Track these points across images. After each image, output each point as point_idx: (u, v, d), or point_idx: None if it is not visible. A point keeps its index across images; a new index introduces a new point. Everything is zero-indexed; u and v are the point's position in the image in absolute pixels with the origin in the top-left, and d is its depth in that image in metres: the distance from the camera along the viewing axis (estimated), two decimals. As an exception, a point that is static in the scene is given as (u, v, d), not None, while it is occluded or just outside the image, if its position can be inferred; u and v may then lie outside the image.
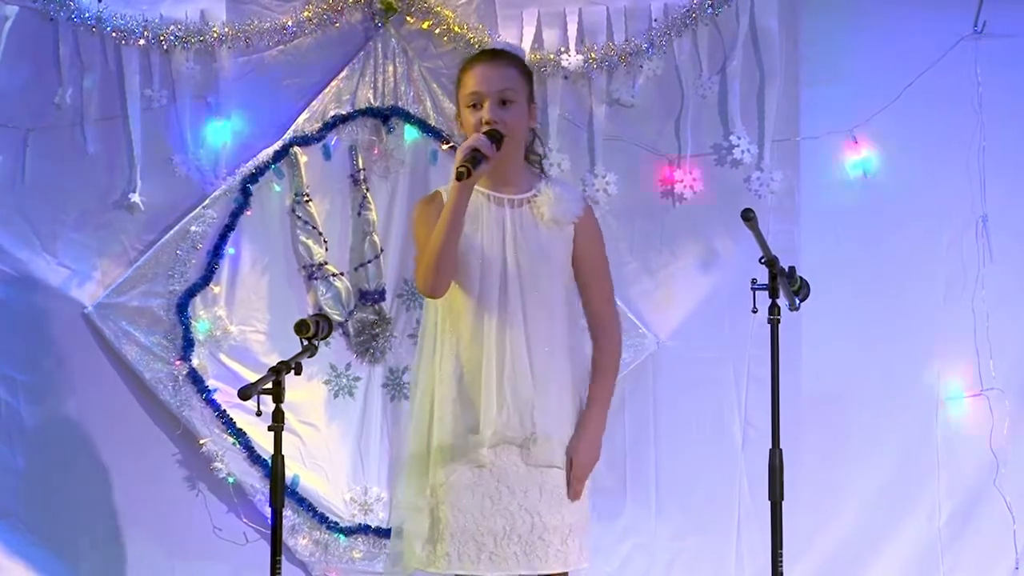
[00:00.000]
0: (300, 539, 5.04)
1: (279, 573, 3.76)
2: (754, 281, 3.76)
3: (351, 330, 5.11)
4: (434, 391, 3.66)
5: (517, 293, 3.63)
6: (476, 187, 3.63)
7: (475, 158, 3.50)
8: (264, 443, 4.96)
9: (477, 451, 3.58)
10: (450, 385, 3.63)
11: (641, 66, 5.11)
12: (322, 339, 3.94)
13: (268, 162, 5.08)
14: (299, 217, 5.09)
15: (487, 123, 3.61)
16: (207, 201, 5.07)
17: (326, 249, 5.09)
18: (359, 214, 5.11)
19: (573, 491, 3.65)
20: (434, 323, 3.70)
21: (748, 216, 3.61)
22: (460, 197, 3.53)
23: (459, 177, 3.47)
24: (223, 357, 5.07)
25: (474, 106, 3.65)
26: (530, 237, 3.66)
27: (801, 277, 3.80)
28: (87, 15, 5.04)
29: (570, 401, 3.68)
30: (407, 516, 3.69)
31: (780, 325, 3.74)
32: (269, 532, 3.96)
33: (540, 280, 3.65)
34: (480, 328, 3.61)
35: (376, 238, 5.10)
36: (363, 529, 5.05)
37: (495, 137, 3.57)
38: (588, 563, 3.69)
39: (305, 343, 3.89)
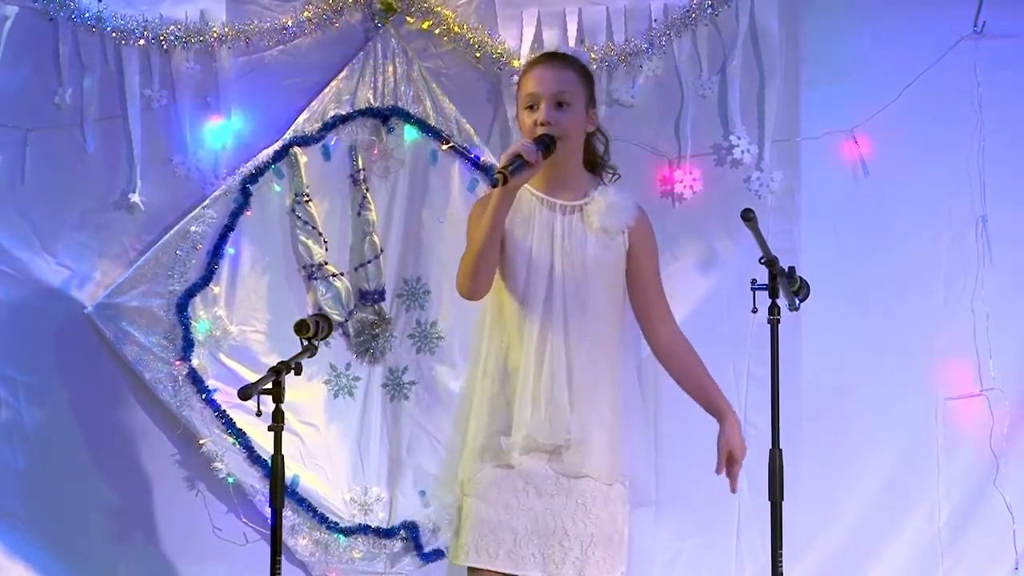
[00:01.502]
0: (300, 539, 5.04)
1: (279, 573, 3.76)
2: (754, 281, 3.76)
3: (351, 330, 5.11)
4: (474, 389, 3.66)
5: (561, 300, 3.60)
6: (531, 190, 3.62)
7: (515, 164, 3.46)
8: (264, 443, 4.95)
9: (508, 453, 3.58)
10: (490, 385, 3.62)
11: (641, 66, 5.11)
12: (322, 339, 3.95)
13: (268, 162, 5.08)
14: (299, 217, 5.09)
15: (541, 124, 3.59)
16: (207, 201, 5.07)
17: (326, 249, 5.09)
18: (359, 214, 5.11)
19: (732, 487, 3.66)
20: (482, 323, 3.69)
21: (748, 216, 3.61)
22: (500, 202, 3.50)
23: (494, 184, 3.45)
24: (223, 357, 5.07)
25: (531, 107, 3.63)
26: (577, 245, 3.63)
27: (801, 277, 3.80)
28: (87, 15, 5.04)
29: (609, 411, 3.64)
30: (443, 513, 3.71)
31: (780, 325, 3.74)
32: (269, 532, 3.97)
33: (586, 288, 3.61)
34: (522, 332, 3.60)
35: (376, 238, 5.10)
36: (363, 529, 5.05)
37: (544, 143, 3.55)
38: (614, 574, 3.65)
39: (305, 343, 3.90)
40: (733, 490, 3.69)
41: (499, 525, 3.58)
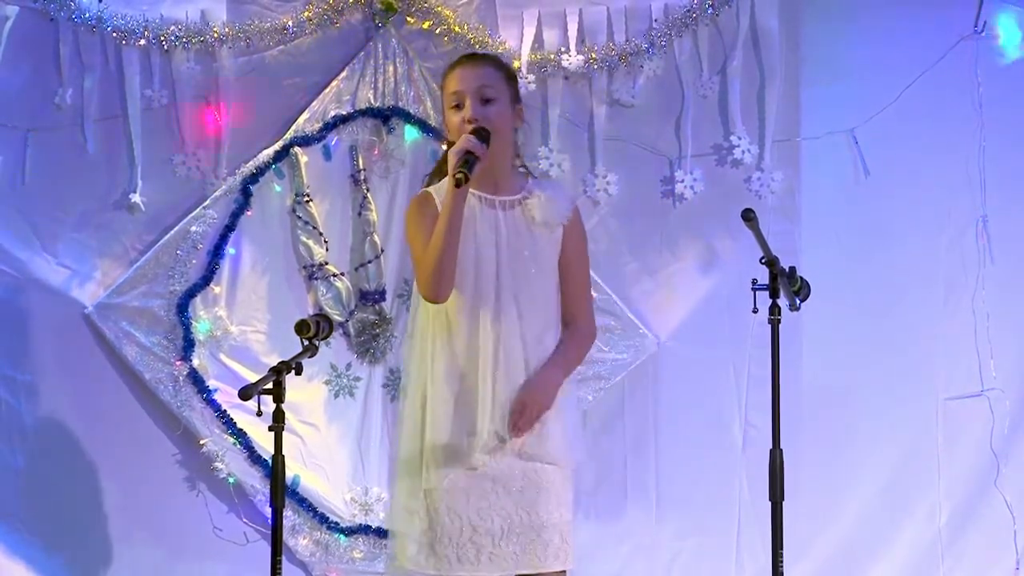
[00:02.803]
0: (300, 539, 5.04)
1: (279, 573, 3.75)
2: (754, 281, 3.76)
3: (351, 330, 5.11)
4: (425, 392, 3.65)
5: (511, 295, 3.62)
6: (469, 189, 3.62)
7: (468, 161, 3.48)
8: (264, 443, 4.96)
9: (472, 454, 3.57)
10: (444, 386, 3.61)
11: (641, 66, 5.11)
12: (322, 339, 3.93)
13: (268, 162, 5.08)
14: (299, 217, 5.09)
15: (469, 121, 3.59)
16: (207, 201, 5.07)
17: (326, 249, 5.09)
18: (359, 214, 5.11)
19: (517, 426, 3.54)
20: (425, 324, 3.68)
21: (748, 216, 3.61)
22: (457, 202, 3.50)
23: (458, 184, 3.45)
24: (223, 357, 5.07)
25: (456, 107, 3.64)
26: (523, 240, 3.65)
27: (801, 277, 3.80)
28: (87, 15, 5.04)
29: (563, 400, 3.66)
30: (401, 517, 3.67)
31: (780, 325, 3.74)
32: (269, 532, 3.96)
33: (532, 282, 3.64)
34: (476, 330, 3.60)
35: (376, 238, 5.10)
36: (363, 529, 5.05)
37: (482, 136, 3.55)
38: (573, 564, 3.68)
39: (305, 343, 3.89)
40: (516, 432, 3.56)
41: (475, 531, 3.58)
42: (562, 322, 3.70)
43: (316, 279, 5.10)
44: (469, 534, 3.57)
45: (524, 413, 3.57)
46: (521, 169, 3.78)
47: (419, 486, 3.61)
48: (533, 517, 3.60)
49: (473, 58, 3.78)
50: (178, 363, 5.03)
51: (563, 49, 5.10)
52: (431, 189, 3.69)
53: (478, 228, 3.63)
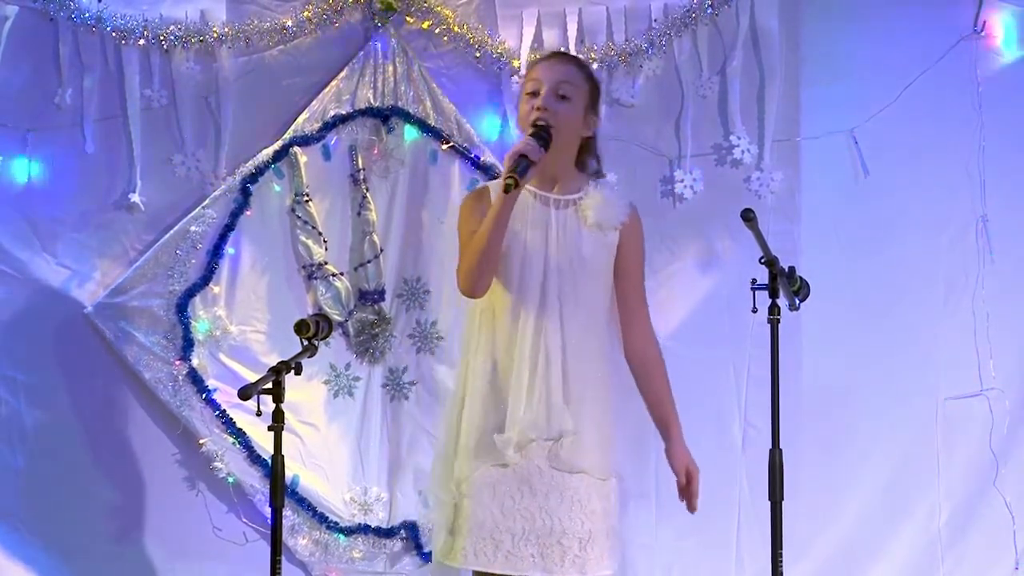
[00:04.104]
0: (300, 539, 5.04)
1: (279, 573, 3.76)
2: (754, 281, 3.76)
3: (351, 330, 5.11)
4: (466, 386, 3.65)
5: (555, 294, 3.61)
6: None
7: (521, 165, 3.47)
8: (264, 443, 4.96)
9: (503, 450, 3.57)
10: (482, 381, 3.61)
11: (641, 66, 5.11)
12: (322, 339, 3.94)
13: (268, 162, 5.08)
14: (299, 217, 5.09)
15: (538, 108, 3.59)
16: (207, 201, 5.07)
17: (326, 249, 5.09)
18: (359, 214, 5.11)
19: (693, 506, 3.71)
20: (472, 318, 3.68)
21: (748, 216, 3.61)
22: (506, 205, 3.50)
23: (507, 190, 3.45)
24: (223, 357, 5.07)
25: (532, 94, 3.64)
26: (573, 239, 3.63)
27: (801, 277, 3.80)
28: (87, 15, 5.04)
29: (600, 405, 3.65)
30: (435, 509, 3.69)
31: (780, 325, 3.74)
32: (269, 532, 3.97)
33: (580, 283, 3.62)
34: (516, 327, 3.59)
35: (376, 238, 5.10)
36: (363, 529, 5.05)
37: (541, 137, 3.55)
38: (611, 571, 3.65)
39: (305, 343, 3.90)
40: (693, 509, 3.72)
41: (496, 528, 3.58)
42: (633, 337, 3.71)
43: (315, 279, 5.10)
44: (490, 529, 3.57)
45: (691, 484, 3.71)
46: (587, 172, 3.74)
47: (451, 477, 3.62)
48: (555, 523, 3.59)
49: (562, 56, 3.84)
50: (177, 363, 5.03)
51: (563, 49, 5.09)
52: (490, 184, 3.71)
53: (529, 224, 3.63)
